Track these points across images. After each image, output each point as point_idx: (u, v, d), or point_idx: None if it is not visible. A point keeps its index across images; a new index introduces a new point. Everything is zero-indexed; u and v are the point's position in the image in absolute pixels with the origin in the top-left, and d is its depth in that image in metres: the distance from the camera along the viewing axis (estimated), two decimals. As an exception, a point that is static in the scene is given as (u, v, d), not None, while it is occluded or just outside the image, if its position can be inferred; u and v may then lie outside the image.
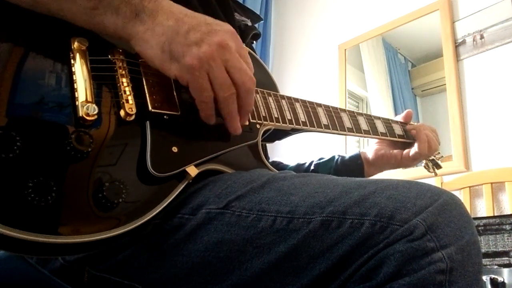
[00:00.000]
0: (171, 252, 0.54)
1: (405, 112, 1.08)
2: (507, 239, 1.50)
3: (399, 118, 1.07)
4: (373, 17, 2.63)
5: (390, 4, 2.58)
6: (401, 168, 1.02)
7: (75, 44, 0.54)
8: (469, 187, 1.96)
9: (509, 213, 1.76)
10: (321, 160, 1.04)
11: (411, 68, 2.56)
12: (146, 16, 0.54)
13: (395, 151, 0.99)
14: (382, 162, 1.01)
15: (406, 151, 0.98)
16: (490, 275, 1.30)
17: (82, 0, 0.52)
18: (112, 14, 0.53)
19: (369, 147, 1.05)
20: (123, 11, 0.53)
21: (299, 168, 1.04)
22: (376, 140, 1.05)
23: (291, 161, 1.06)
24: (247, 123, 0.64)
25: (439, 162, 1.08)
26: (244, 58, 0.58)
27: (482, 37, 2.13)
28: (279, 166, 1.03)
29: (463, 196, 1.94)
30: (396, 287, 0.43)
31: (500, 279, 1.29)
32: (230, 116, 0.59)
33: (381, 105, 2.58)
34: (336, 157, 1.04)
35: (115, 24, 0.54)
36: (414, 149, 0.97)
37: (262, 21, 2.78)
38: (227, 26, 0.57)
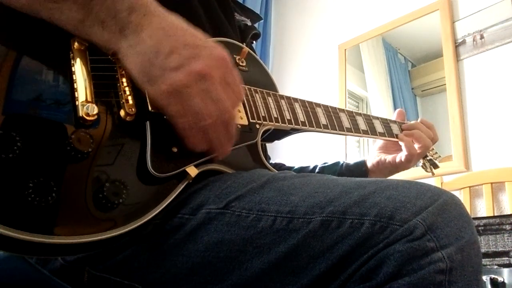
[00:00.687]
0: (171, 252, 0.54)
1: (396, 112, 1.08)
2: (507, 239, 1.50)
3: (394, 118, 1.06)
4: (373, 17, 2.64)
5: (390, 4, 2.58)
6: (401, 172, 1.02)
7: (75, 44, 0.54)
8: (469, 187, 1.96)
9: (509, 213, 1.76)
10: (326, 165, 1.04)
11: (411, 68, 2.56)
12: (130, 32, 0.51)
13: (389, 157, 0.99)
14: (380, 169, 1.01)
15: (399, 155, 0.98)
16: (490, 275, 1.30)
17: (70, 12, 0.51)
18: (99, 28, 0.52)
19: (369, 155, 1.05)
20: (109, 25, 0.52)
21: (303, 170, 1.04)
22: (377, 146, 1.05)
23: (293, 163, 1.06)
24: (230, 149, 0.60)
25: (436, 161, 1.08)
26: (231, 85, 0.55)
27: (482, 37, 2.13)
28: (281, 168, 1.02)
29: (463, 196, 1.94)
30: (396, 287, 0.43)
31: (500, 279, 1.29)
32: (213, 143, 0.56)
33: (381, 105, 2.59)
34: (341, 162, 1.04)
35: (101, 37, 0.52)
36: (404, 152, 0.97)
37: (262, 21, 2.79)
38: (216, 51, 0.54)
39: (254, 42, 1.02)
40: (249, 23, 0.95)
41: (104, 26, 0.51)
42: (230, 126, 0.56)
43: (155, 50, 0.51)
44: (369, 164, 1.01)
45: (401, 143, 0.98)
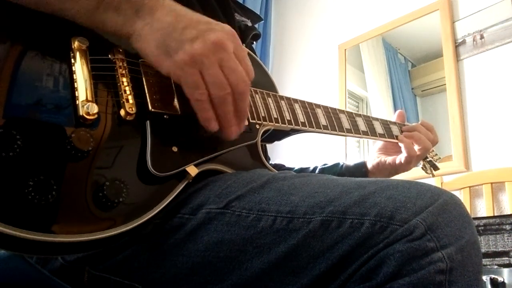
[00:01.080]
0: (171, 252, 0.54)
1: (396, 113, 1.08)
2: (507, 239, 1.50)
3: (394, 120, 1.06)
4: (373, 17, 2.64)
5: (390, 4, 2.58)
6: (400, 173, 1.01)
7: (76, 44, 0.54)
8: (469, 187, 1.96)
9: (509, 213, 1.76)
10: (326, 166, 1.03)
11: (411, 68, 2.56)
12: (145, 13, 0.54)
13: (389, 159, 0.99)
14: (380, 171, 1.00)
15: (398, 156, 0.98)
16: (490, 275, 1.30)
17: (84, 0, 0.53)
18: (113, 13, 0.53)
19: (369, 156, 1.05)
20: (124, 9, 0.53)
21: (303, 171, 1.04)
22: (377, 148, 1.05)
23: (293, 164, 1.06)
24: (242, 129, 0.61)
25: (436, 163, 1.08)
26: (243, 60, 0.57)
27: (482, 37, 2.13)
28: (281, 169, 1.02)
29: (463, 196, 1.94)
30: (396, 287, 0.43)
31: (500, 279, 1.29)
32: (225, 119, 0.57)
33: (381, 105, 2.59)
34: (341, 163, 1.03)
35: (116, 22, 0.54)
36: (403, 154, 0.97)
37: (262, 21, 2.79)
38: (228, 27, 0.56)
39: (254, 42, 1.02)
40: (249, 24, 0.95)
41: (119, 10, 0.53)
42: (244, 100, 0.57)
43: (171, 25, 0.53)
44: (369, 165, 1.01)
45: (401, 144, 0.98)
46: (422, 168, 1.09)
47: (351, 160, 1.05)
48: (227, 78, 0.54)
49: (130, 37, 0.55)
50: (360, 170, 1.01)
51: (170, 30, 0.53)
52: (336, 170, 1.01)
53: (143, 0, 0.54)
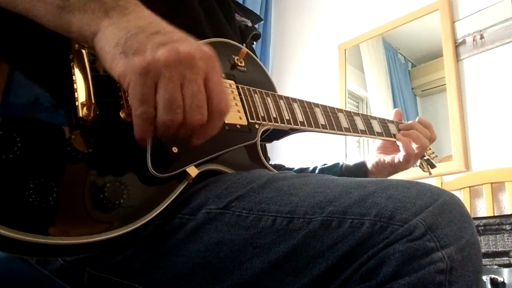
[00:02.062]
0: (171, 252, 0.54)
1: (393, 112, 1.08)
2: (507, 239, 1.50)
3: (391, 118, 1.06)
4: (373, 17, 2.64)
5: (390, 4, 2.58)
6: (400, 172, 1.02)
7: (76, 45, 0.54)
8: (469, 187, 1.96)
9: (509, 213, 1.76)
10: (325, 166, 1.04)
11: (411, 68, 2.56)
12: (115, 13, 0.48)
13: (388, 158, 0.99)
14: (380, 170, 1.00)
15: (397, 155, 0.98)
16: (490, 275, 1.30)
17: None
18: (80, 12, 0.49)
19: (368, 155, 1.05)
20: (91, 8, 0.48)
21: (303, 171, 1.04)
22: (376, 147, 1.05)
23: (293, 163, 1.06)
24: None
25: (433, 161, 1.08)
26: (214, 88, 0.48)
27: (482, 37, 2.13)
28: (281, 169, 1.02)
29: (463, 196, 1.94)
30: (396, 287, 0.43)
31: (500, 279, 1.29)
32: (162, 138, 0.50)
33: (381, 105, 2.58)
34: (341, 163, 1.03)
35: (81, 22, 0.48)
36: (402, 152, 0.97)
37: (262, 22, 2.78)
38: (207, 48, 0.49)
39: (254, 42, 1.02)
40: (249, 24, 0.95)
41: (86, 8, 0.48)
42: (197, 133, 0.50)
43: (141, 28, 0.46)
44: (369, 165, 1.01)
45: (398, 143, 0.98)
46: (419, 166, 1.09)
47: (351, 160, 1.06)
48: (182, 102, 0.46)
49: (94, 39, 0.48)
50: (360, 169, 1.01)
51: (137, 31, 0.46)
52: (336, 170, 1.01)
53: (117, 1, 0.49)
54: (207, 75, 0.47)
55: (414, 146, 0.98)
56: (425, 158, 1.07)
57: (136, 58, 0.45)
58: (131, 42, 0.45)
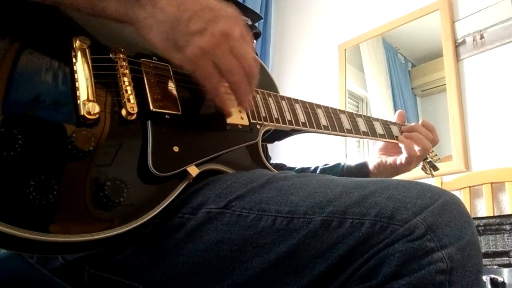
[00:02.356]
0: (172, 251, 0.54)
1: (396, 113, 1.08)
2: (507, 239, 1.50)
3: (394, 120, 1.06)
4: (373, 17, 2.63)
5: (390, 4, 2.58)
6: (401, 174, 1.01)
7: (77, 43, 0.54)
8: (469, 187, 1.96)
9: (509, 213, 1.76)
10: (327, 166, 1.03)
11: (411, 68, 2.56)
12: (146, 2, 0.53)
13: (390, 159, 0.99)
14: (381, 171, 1.00)
15: (399, 157, 0.98)
16: (490, 275, 1.30)
17: None
18: (113, 0, 0.53)
19: (369, 156, 1.05)
20: None
21: (304, 171, 1.04)
22: (377, 148, 1.05)
23: (294, 164, 1.06)
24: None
25: (435, 164, 1.08)
26: (248, 42, 0.58)
27: (482, 37, 2.13)
28: (282, 169, 1.02)
29: (463, 196, 1.94)
30: (396, 287, 0.43)
31: (500, 279, 1.29)
32: (242, 96, 0.60)
33: (381, 105, 2.59)
34: (342, 164, 1.03)
35: (117, 9, 0.53)
36: (404, 154, 0.97)
37: (262, 21, 2.78)
38: (231, 10, 0.57)
39: (254, 41, 1.02)
40: (249, 22, 0.95)
41: None
42: (255, 79, 0.60)
43: (176, 17, 0.53)
44: (371, 166, 1.01)
45: (401, 145, 0.98)
46: (422, 168, 1.09)
47: (352, 161, 1.05)
48: (240, 62, 0.56)
49: (134, 25, 0.55)
50: (361, 170, 1.01)
51: (175, 22, 0.53)
52: (337, 170, 1.01)
53: None
54: (241, 35, 0.56)
55: (416, 148, 0.97)
56: (427, 160, 1.07)
57: (188, 50, 0.53)
58: (177, 36, 0.53)
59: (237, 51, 0.56)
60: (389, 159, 0.98)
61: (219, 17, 0.55)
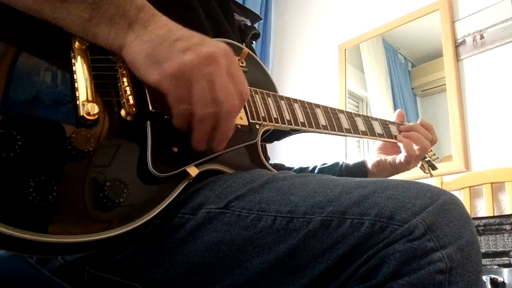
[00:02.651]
0: (171, 251, 0.54)
1: (396, 113, 1.08)
2: (507, 239, 1.50)
3: (393, 119, 1.06)
4: (373, 17, 2.64)
5: (390, 4, 2.58)
6: (400, 173, 1.02)
7: (76, 44, 0.54)
8: (469, 187, 1.96)
9: (509, 213, 1.76)
10: (325, 165, 1.04)
11: (411, 68, 2.56)
12: (138, 27, 0.53)
13: (390, 158, 0.99)
14: (380, 170, 1.00)
15: (398, 156, 0.98)
16: (490, 275, 1.30)
17: (77, 10, 0.52)
18: (106, 26, 0.53)
19: (369, 155, 1.05)
20: (117, 23, 0.53)
21: (303, 171, 1.04)
22: (376, 147, 1.05)
23: (293, 164, 1.06)
24: (222, 147, 0.58)
25: (434, 163, 1.08)
26: (236, 79, 0.54)
27: (482, 37, 2.13)
28: (281, 169, 1.02)
29: (463, 196, 1.94)
30: (396, 287, 0.43)
31: (500, 279, 1.29)
32: (199, 137, 0.55)
33: (381, 105, 2.59)
34: (340, 163, 1.04)
35: (108, 35, 0.53)
36: (403, 153, 0.97)
37: (261, 21, 2.78)
38: (223, 44, 0.55)
39: (254, 42, 1.02)
40: (248, 23, 0.95)
41: (112, 23, 0.52)
42: (229, 120, 0.55)
43: (162, 37, 0.52)
44: (369, 164, 1.01)
45: (400, 144, 0.98)
46: (420, 168, 1.10)
47: (351, 160, 1.06)
48: (216, 95, 0.52)
49: (122, 51, 0.54)
50: (360, 169, 1.01)
51: (161, 41, 0.52)
52: (335, 170, 1.01)
53: (137, 14, 0.53)
54: (229, 69, 0.54)
55: (415, 147, 0.98)
56: (426, 159, 1.07)
57: (166, 65, 0.51)
58: (158, 52, 0.51)
59: (217, 80, 0.52)
60: (389, 158, 0.99)
61: (207, 43, 0.53)
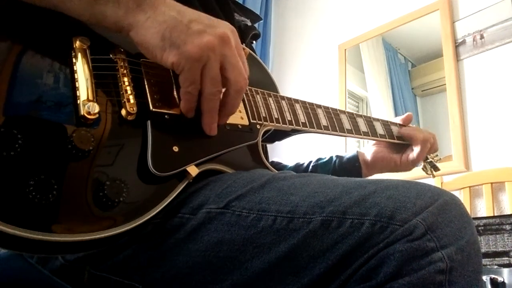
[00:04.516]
0: (172, 251, 0.54)
1: (405, 114, 1.08)
2: (507, 239, 1.50)
3: (399, 119, 1.06)
4: (373, 17, 2.64)
5: (390, 4, 2.58)
6: (399, 172, 1.02)
7: (77, 43, 0.54)
8: (469, 187, 1.96)
9: (509, 213, 1.76)
10: (319, 162, 1.04)
11: (411, 68, 2.56)
12: (147, 7, 0.53)
13: (395, 155, 0.99)
14: (381, 165, 1.01)
15: (405, 154, 0.98)
16: (490, 275, 1.30)
17: None
18: (114, 4, 0.53)
19: (367, 148, 1.05)
20: (125, 1, 0.53)
21: (298, 168, 1.04)
22: (372, 142, 1.05)
23: (290, 162, 1.06)
24: (227, 124, 0.62)
25: (436, 164, 1.08)
26: (242, 58, 0.58)
27: (482, 37, 2.13)
28: (278, 166, 1.03)
29: (463, 196, 1.94)
30: (396, 287, 0.43)
31: (500, 279, 1.29)
32: (210, 114, 0.58)
33: (381, 105, 2.59)
34: (334, 158, 1.04)
35: (116, 14, 0.53)
36: (412, 152, 0.97)
37: (261, 21, 2.78)
38: (228, 24, 0.57)
39: (254, 42, 1.02)
40: (249, 23, 0.95)
41: (120, 2, 0.53)
42: (240, 97, 0.58)
43: (176, 19, 0.53)
44: (368, 157, 1.01)
45: (405, 132, 0.99)
46: (423, 168, 1.10)
47: (343, 153, 1.06)
48: (228, 74, 0.55)
49: (131, 30, 0.54)
50: (353, 164, 1.02)
51: (176, 23, 0.53)
52: (329, 167, 1.02)
53: None
54: (236, 48, 0.56)
55: (415, 148, 0.98)
56: (428, 160, 1.07)
57: (186, 47, 0.52)
58: (177, 34, 0.52)
59: (230, 60, 0.55)
60: (394, 154, 1.00)
61: (218, 24, 0.55)
